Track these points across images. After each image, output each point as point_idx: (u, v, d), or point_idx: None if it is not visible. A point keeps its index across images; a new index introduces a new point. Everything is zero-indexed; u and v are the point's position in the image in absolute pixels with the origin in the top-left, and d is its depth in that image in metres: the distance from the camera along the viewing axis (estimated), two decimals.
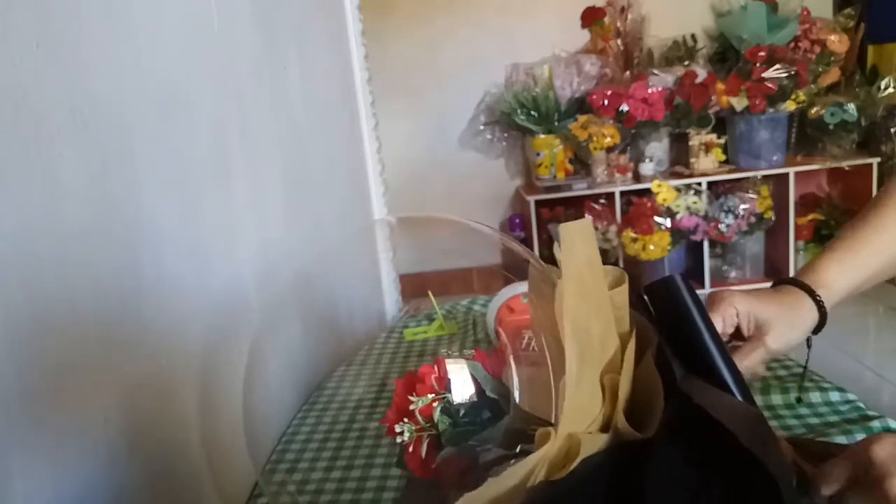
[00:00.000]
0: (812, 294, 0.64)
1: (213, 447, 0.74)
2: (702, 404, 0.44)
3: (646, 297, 0.56)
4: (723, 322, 0.62)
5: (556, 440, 0.43)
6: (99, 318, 0.56)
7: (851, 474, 0.48)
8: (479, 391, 0.51)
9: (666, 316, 0.53)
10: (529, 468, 0.42)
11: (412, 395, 0.50)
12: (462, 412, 0.50)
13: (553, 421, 0.47)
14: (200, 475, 0.72)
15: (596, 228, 2.79)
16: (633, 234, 2.74)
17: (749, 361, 0.61)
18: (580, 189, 2.84)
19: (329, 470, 0.81)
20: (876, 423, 0.72)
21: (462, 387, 0.50)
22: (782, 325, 0.62)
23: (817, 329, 0.65)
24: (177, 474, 0.68)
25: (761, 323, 0.62)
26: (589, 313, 0.46)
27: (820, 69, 2.80)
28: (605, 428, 0.47)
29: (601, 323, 0.47)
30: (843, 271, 0.65)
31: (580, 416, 0.45)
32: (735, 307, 0.62)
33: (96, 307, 0.56)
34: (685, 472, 0.44)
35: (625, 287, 0.50)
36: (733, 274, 2.97)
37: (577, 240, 0.48)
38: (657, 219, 2.72)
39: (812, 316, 0.64)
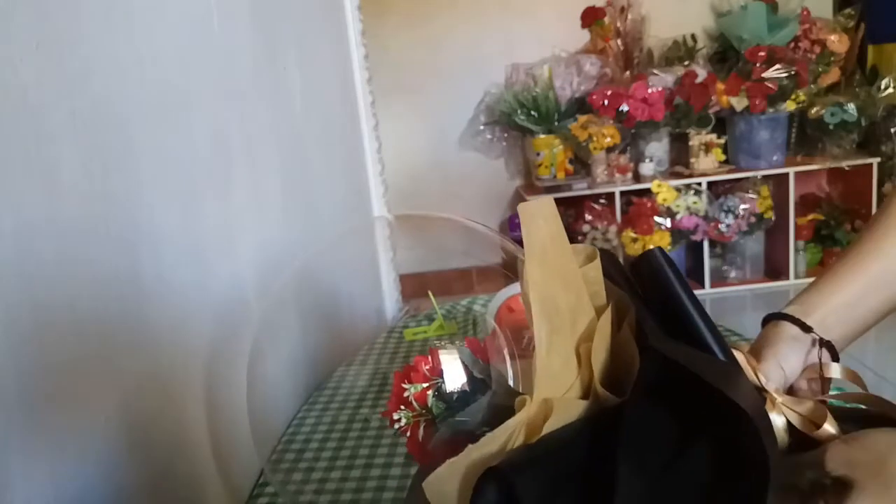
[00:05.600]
0: (786, 317, 0.58)
1: (213, 447, 0.74)
2: (671, 356, 0.45)
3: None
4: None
5: (532, 405, 0.45)
6: (99, 317, 0.56)
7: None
8: (469, 375, 0.53)
9: (650, 288, 0.55)
10: (508, 433, 0.44)
11: (405, 384, 0.52)
12: (455, 396, 0.52)
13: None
14: (200, 475, 0.72)
15: (596, 228, 2.79)
16: (633, 234, 2.74)
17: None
18: (580, 189, 2.84)
19: (329, 470, 0.81)
20: None
21: (453, 373, 0.52)
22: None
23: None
24: (177, 474, 0.68)
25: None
26: (556, 287, 0.48)
27: (820, 69, 2.80)
28: (585, 395, 0.48)
29: (570, 295, 0.49)
30: (823, 294, 0.59)
31: (554, 383, 0.46)
32: None
33: (96, 307, 0.56)
34: (658, 429, 0.45)
35: (597, 263, 0.52)
36: (733, 274, 2.97)
37: (538, 218, 0.49)
38: (657, 219, 2.73)
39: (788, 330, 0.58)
